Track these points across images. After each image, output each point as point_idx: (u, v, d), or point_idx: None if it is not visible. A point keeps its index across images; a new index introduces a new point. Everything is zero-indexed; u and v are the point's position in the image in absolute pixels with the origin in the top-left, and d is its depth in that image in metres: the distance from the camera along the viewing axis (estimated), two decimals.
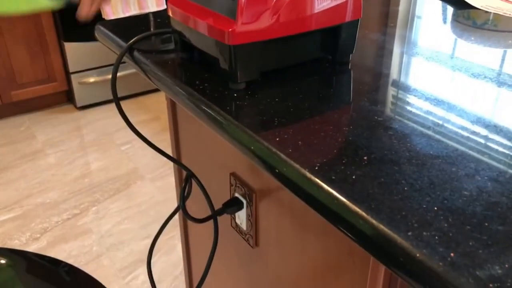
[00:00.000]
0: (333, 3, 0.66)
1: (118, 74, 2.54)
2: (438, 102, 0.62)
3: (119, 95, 2.73)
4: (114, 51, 0.86)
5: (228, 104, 0.62)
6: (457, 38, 0.87)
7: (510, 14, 0.94)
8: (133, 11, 2.46)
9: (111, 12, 2.37)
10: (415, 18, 0.98)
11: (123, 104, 2.71)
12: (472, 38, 0.89)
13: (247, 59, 0.63)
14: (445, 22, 0.95)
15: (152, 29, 0.90)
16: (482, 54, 0.79)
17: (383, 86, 0.67)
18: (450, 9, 1.02)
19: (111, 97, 2.73)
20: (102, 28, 0.90)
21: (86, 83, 2.61)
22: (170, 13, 0.74)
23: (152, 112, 2.60)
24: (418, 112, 0.59)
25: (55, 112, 2.68)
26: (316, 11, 0.65)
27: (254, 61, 0.64)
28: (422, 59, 0.77)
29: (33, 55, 2.47)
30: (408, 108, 0.60)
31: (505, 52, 0.81)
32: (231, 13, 0.62)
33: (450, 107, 0.61)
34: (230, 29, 0.60)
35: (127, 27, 0.93)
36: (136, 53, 0.79)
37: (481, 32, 0.91)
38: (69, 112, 2.68)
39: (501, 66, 0.75)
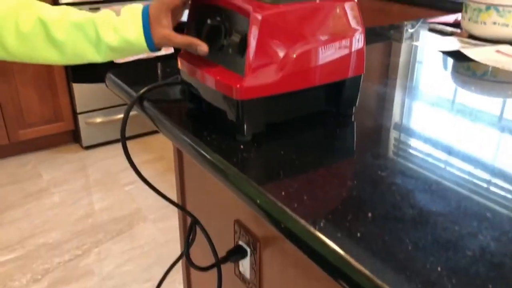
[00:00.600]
0: (337, 60, 0.69)
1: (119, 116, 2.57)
2: (440, 156, 0.63)
3: None
4: (125, 100, 0.88)
5: (234, 156, 0.63)
6: (457, 87, 0.90)
7: (509, 68, 0.97)
8: None
9: None
10: (416, 70, 1.01)
11: (128, 144, 2.74)
12: (473, 88, 0.91)
13: (254, 113, 0.65)
14: (445, 73, 0.98)
15: (161, 78, 0.93)
16: (483, 102, 0.81)
17: (385, 139, 0.69)
18: (450, 61, 1.05)
19: (116, 137, 2.76)
20: (112, 77, 0.93)
21: (93, 123, 2.65)
22: (179, 66, 0.76)
23: (156, 152, 2.62)
24: (420, 166, 0.61)
25: (61, 151, 2.70)
26: (320, 67, 0.67)
27: (260, 114, 0.66)
28: (423, 111, 0.79)
29: (42, 95, 2.52)
30: (411, 162, 0.62)
31: (504, 101, 0.83)
32: (239, 68, 0.64)
33: (451, 161, 0.62)
34: (238, 85, 0.63)
35: (137, 75, 0.96)
36: (145, 103, 0.81)
37: (481, 83, 0.94)
38: (74, 151, 2.71)
39: (501, 113, 0.77)
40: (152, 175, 2.42)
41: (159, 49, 0.74)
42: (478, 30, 1.17)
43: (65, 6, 0.76)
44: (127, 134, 2.77)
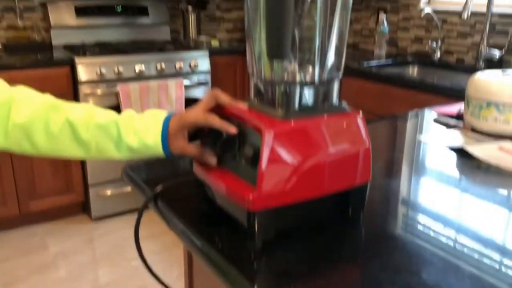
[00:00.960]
0: (345, 170, 0.72)
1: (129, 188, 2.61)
2: (447, 277, 0.65)
3: (130, 208, 2.79)
4: (140, 196, 0.92)
5: (245, 265, 0.65)
6: (463, 184, 0.92)
7: (511, 167, 1.00)
8: (152, 106, 2.60)
9: (129, 104, 2.50)
10: (421, 167, 1.04)
11: (136, 216, 2.75)
12: (477, 179, 0.94)
13: (265, 222, 0.68)
14: (450, 170, 1.01)
15: (178, 174, 0.97)
16: (489, 197, 0.83)
17: (392, 246, 0.71)
18: (454, 157, 1.08)
19: (125, 208, 2.78)
20: (129, 172, 0.97)
21: (103, 195, 2.68)
22: (194, 169, 0.80)
23: (163, 224, 2.63)
24: (428, 281, 0.62)
25: (70, 223, 2.72)
26: (329, 178, 0.71)
27: (271, 223, 0.69)
28: (432, 213, 0.81)
29: (55, 167, 2.58)
30: (417, 277, 0.63)
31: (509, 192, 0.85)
32: (251, 179, 0.68)
33: (467, 276, 0.63)
34: (250, 197, 0.66)
35: (154, 170, 1.00)
36: (159, 201, 0.84)
37: (485, 172, 0.97)
38: (83, 223, 2.72)
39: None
40: (158, 249, 2.41)
41: (175, 156, 0.79)
42: (480, 125, 1.21)
43: (91, 106, 0.82)
44: (133, 206, 2.79)
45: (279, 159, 0.67)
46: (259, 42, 0.71)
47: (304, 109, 0.72)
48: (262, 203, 0.67)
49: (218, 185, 0.73)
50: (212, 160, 0.76)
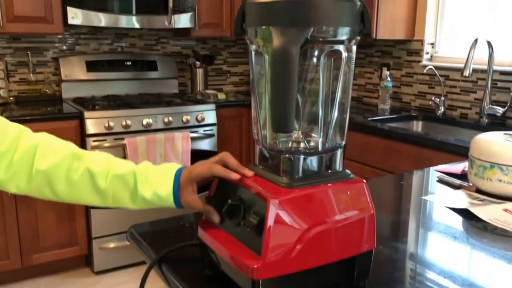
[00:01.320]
0: (350, 238, 0.72)
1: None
2: None
3: (133, 262, 2.75)
4: (144, 258, 0.91)
5: None
6: (470, 248, 0.91)
7: None
8: (158, 158, 2.62)
9: (136, 156, 2.52)
10: (426, 229, 1.03)
11: (138, 270, 2.71)
12: (484, 240, 0.93)
13: None
14: (456, 232, 1.00)
15: (184, 236, 0.97)
16: (498, 258, 0.82)
17: None
18: (459, 219, 1.07)
19: (128, 262, 2.74)
20: (134, 233, 0.97)
21: (106, 248, 2.66)
22: (199, 235, 0.81)
23: None
24: None
25: (72, 276, 2.68)
26: (334, 246, 0.71)
27: None
28: (436, 282, 0.80)
29: (60, 220, 2.57)
30: None
31: None
32: (255, 248, 0.68)
33: None
34: (255, 266, 0.66)
35: (159, 231, 1.00)
36: (163, 265, 0.84)
37: (492, 234, 0.96)
38: (85, 276, 2.68)
39: None
40: None
41: (185, 207, 0.82)
42: (485, 185, 1.21)
43: (110, 156, 0.85)
44: (137, 259, 2.75)
45: (283, 228, 0.67)
46: (264, 112, 0.73)
47: (309, 177, 0.73)
48: (266, 272, 0.66)
49: (222, 252, 0.73)
50: (216, 218, 0.78)
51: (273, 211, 0.66)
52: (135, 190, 0.82)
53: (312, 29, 0.65)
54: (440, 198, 1.21)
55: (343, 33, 0.68)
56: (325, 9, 0.64)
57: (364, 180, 0.75)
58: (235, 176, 0.75)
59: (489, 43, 2.31)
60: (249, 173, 0.75)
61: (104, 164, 0.83)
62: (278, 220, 0.67)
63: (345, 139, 0.77)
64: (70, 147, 0.85)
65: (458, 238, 0.97)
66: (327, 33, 0.67)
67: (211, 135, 2.87)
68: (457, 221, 1.07)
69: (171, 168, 0.82)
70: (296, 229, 0.67)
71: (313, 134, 0.74)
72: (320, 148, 0.73)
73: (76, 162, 0.83)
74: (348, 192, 0.73)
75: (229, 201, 0.72)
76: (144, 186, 0.81)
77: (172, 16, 2.86)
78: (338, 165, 0.76)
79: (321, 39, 0.67)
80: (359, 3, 0.68)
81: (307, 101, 0.72)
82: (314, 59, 0.71)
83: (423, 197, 1.22)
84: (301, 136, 0.74)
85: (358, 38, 0.71)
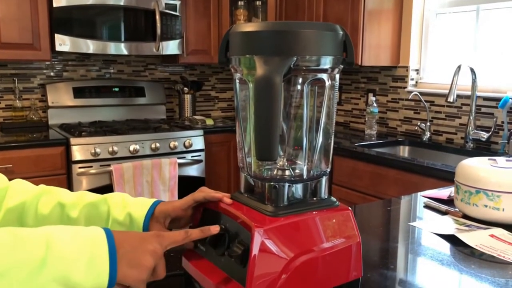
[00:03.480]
0: (336, 266, 0.72)
1: None
2: None
3: None
4: None
5: None
6: (459, 265, 0.91)
7: (504, 256, 0.99)
8: (145, 184, 2.59)
9: (122, 183, 2.49)
10: (414, 256, 1.03)
11: None
12: (472, 266, 0.93)
13: None
14: (443, 259, 1.00)
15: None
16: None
17: None
18: (446, 245, 1.07)
19: None
20: None
21: None
22: (183, 265, 0.79)
23: None
24: None
25: None
26: (320, 275, 0.70)
27: None
28: None
29: None
30: None
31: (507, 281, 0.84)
32: (241, 278, 0.67)
33: None
34: None
35: None
36: None
37: (479, 259, 0.96)
38: None
39: None
40: None
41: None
42: (471, 211, 1.22)
43: (83, 191, 0.85)
44: None
45: (269, 257, 0.66)
46: (248, 139, 0.73)
47: (294, 205, 0.72)
48: None
49: (207, 282, 0.72)
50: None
51: (258, 240, 0.66)
52: (108, 215, 0.81)
53: (295, 58, 0.65)
54: (427, 224, 1.21)
55: (326, 62, 0.69)
56: (308, 38, 0.65)
57: (350, 208, 0.75)
58: (218, 195, 0.75)
59: (472, 70, 2.36)
60: (227, 200, 0.75)
61: (76, 196, 0.83)
62: (263, 249, 0.66)
63: (330, 166, 0.77)
64: (42, 186, 0.85)
65: (446, 264, 0.97)
66: (310, 62, 0.68)
67: (199, 161, 2.86)
68: (445, 247, 1.06)
69: (149, 200, 0.83)
70: (281, 258, 0.67)
71: (298, 161, 0.74)
72: (305, 176, 0.73)
73: (46, 197, 0.82)
74: (334, 220, 0.73)
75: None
76: (117, 208, 0.81)
77: (160, 43, 2.88)
78: (324, 192, 0.75)
79: (304, 68, 0.68)
80: (341, 33, 0.69)
81: (292, 127, 0.72)
82: (298, 87, 0.71)
83: (411, 223, 1.22)
84: (286, 164, 0.74)
85: (341, 66, 0.72)
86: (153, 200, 0.82)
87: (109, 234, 0.62)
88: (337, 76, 0.73)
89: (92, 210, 0.81)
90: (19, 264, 0.54)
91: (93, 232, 0.61)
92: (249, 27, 0.67)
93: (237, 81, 0.75)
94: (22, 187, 0.83)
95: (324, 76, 0.70)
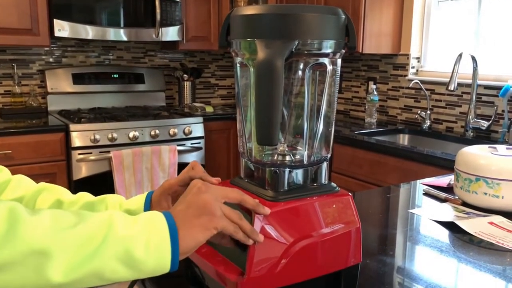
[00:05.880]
0: (336, 252, 0.72)
1: None
2: None
3: None
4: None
5: None
6: (458, 252, 0.91)
7: (502, 243, 1.00)
8: (144, 171, 2.59)
9: (121, 169, 2.49)
10: (413, 243, 1.03)
11: (122, 285, 2.66)
12: (471, 253, 0.93)
13: None
14: (442, 245, 1.00)
15: None
16: (486, 272, 0.81)
17: None
18: (445, 232, 1.07)
19: None
20: None
21: None
22: None
23: None
24: None
25: None
26: (320, 260, 0.70)
27: None
28: None
29: None
30: None
31: (504, 268, 0.84)
32: (241, 263, 0.67)
33: None
34: (239, 281, 0.65)
35: None
36: (147, 281, 0.82)
37: (478, 246, 0.96)
38: None
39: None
40: None
41: None
42: (470, 199, 1.22)
43: (82, 193, 0.84)
44: None
45: (268, 242, 0.66)
46: (249, 124, 0.73)
47: (294, 190, 0.72)
48: (251, 287, 0.65)
49: (207, 267, 0.72)
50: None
51: (258, 225, 0.66)
52: (106, 210, 0.81)
53: (297, 42, 0.65)
54: (426, 211, 1.21)
55: (328, 46, 0.68)
56: (309, 22, 0.64)
57: (350, 193, 0.75)
58: (212, 179, 0.75)
59: (473, 58, 2.34)
60: (215, 180, 0.74)
61: (76, 196, 0.83)
62: (263, 234, 0.66)
63: (331, 152, 0.77)
64: (43, 183, 0.85)
65: (445, 251, 0.97)
66: (312, 46, 0.67)
67: (198, 148, 2.86)
68: (444, 234, 1.07)
69: (143, 194, 0.82)
70: (281, 243, 0.67)
71: (298, 147, 0.74)
72: (305, 161, 0.73)
73: (46, 193, 0.82)
74: (334, 206, 0.72)
75: None
76: (115, 207, 0.81)
77: (160, 29, 2.86)
78: (324, 178, 0.75)
79: (306, 52, 0.67)
80: (343, 17, 0.68)
81: (292, 114, 0.72)
82: (299, 72, 0.70)
83: (410, 210, 1.22)
84: (287, 149, 0.73)
85: (343, 51, 0.71)
86: (147, 193, 0.83)
87: (166, 213, 0.62)
88: (339, 61, 0.72)
89: (90, 209, 0.81)
90: (82, 242, 0.55)
91: (151, 213, 0.62)
92: (251, 10, 0.67)
93: (238, 65, 0.75)
94: (23, 182, 0.83)
95: (325, 60, 0.70)
